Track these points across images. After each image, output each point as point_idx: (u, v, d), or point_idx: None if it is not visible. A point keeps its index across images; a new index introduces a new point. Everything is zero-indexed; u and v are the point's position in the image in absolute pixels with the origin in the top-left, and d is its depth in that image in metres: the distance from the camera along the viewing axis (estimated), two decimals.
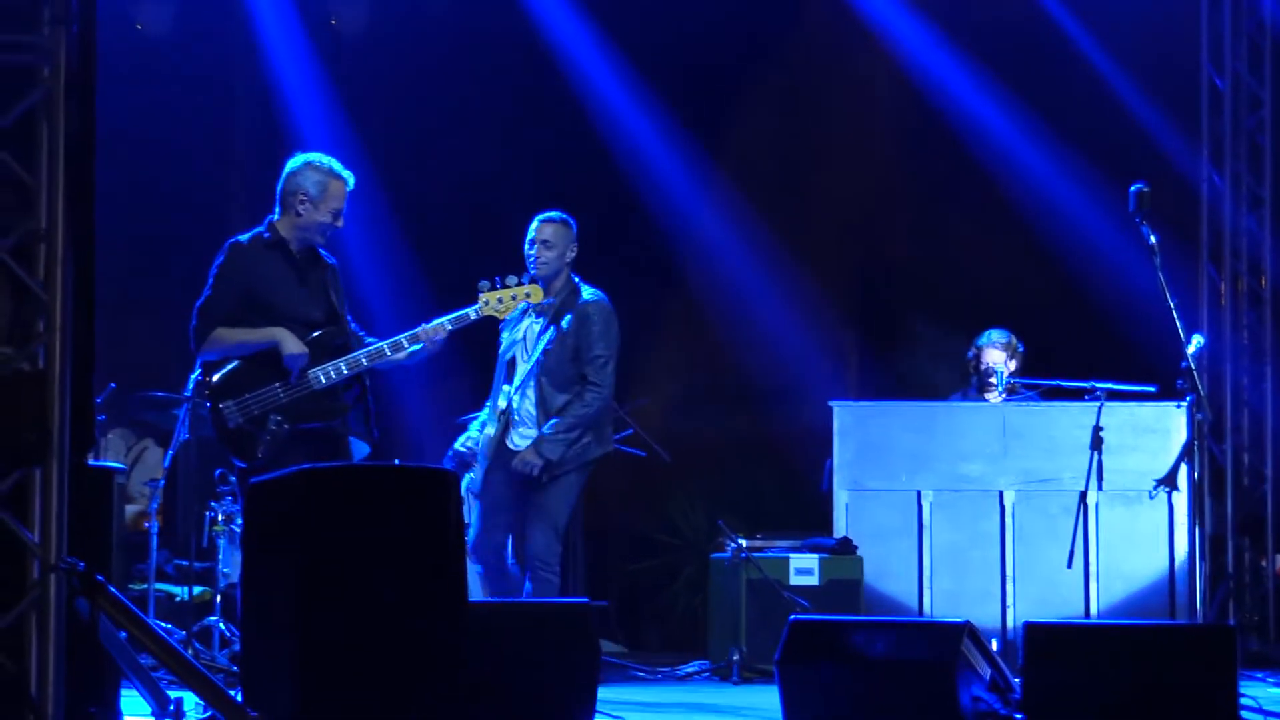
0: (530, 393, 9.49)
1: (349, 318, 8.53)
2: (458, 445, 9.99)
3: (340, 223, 8.39)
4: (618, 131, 14.09)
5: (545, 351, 9.45)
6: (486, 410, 9.72)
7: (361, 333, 8.54)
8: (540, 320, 9.52)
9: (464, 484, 9.48)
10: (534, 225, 9.58)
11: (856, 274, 15.25)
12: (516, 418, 9.48)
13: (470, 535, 9.42)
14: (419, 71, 13.73)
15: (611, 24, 13.84)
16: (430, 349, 8.39)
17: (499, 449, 9.49)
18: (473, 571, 9.34)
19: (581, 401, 9.43)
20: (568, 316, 9.50)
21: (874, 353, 14.99)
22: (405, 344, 8.31)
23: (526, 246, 9.53)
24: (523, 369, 9.51)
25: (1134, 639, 7.05)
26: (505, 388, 9.56)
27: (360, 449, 10.45)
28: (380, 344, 8.32)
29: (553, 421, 9.39)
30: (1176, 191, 13.89)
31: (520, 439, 9.49)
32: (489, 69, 13.74)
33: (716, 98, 14.44)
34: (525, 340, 9.55)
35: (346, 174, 8.39)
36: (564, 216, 9.59)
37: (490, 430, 9.55)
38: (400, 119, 13.72)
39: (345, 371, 8.22)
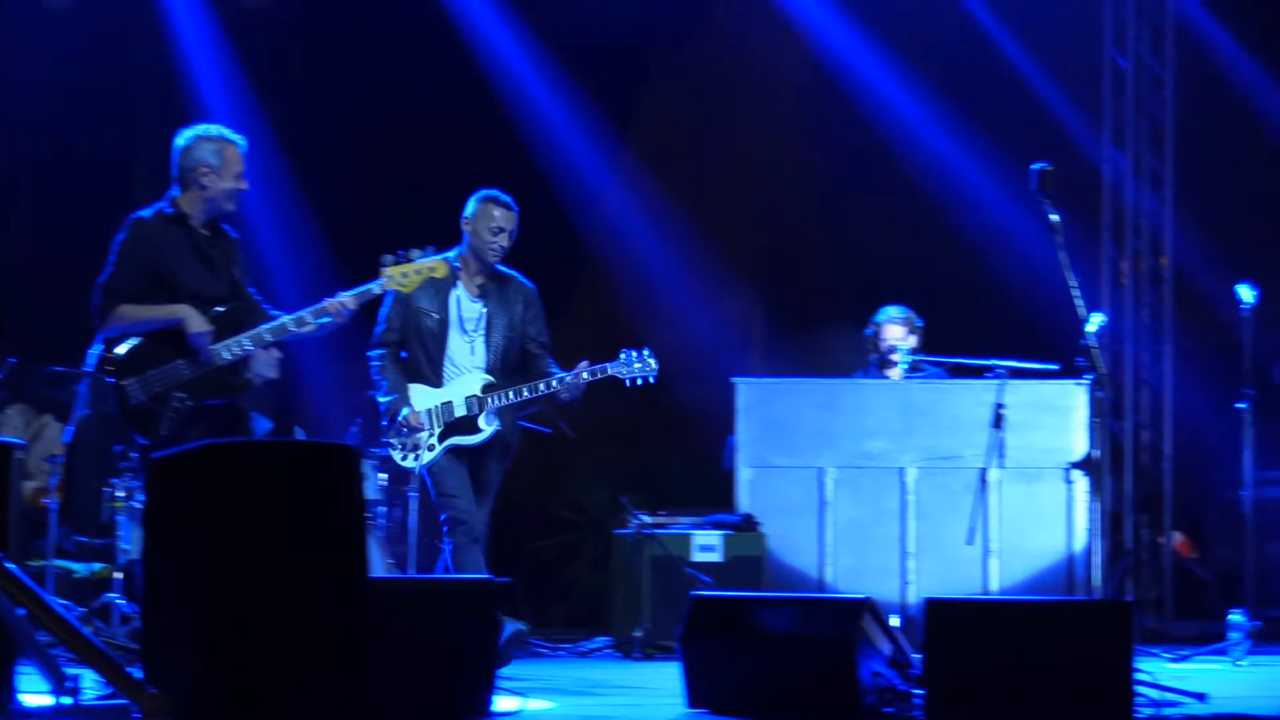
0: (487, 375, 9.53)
1: (253, 292, 8.49)
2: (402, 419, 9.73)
3: (245, 184, 8.36)
4: (526, 109, 14.07)
5: (505, 336, 9.51)
6: (419, 387, 9.59)
7: (266, 307, 8.50)
8: (479, 301, 9.50)
9: (418, 464, 9.43)
10: (506, 214, 9.54)
11: (761, 252, 15.29)
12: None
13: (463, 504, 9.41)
14: (324, 44, 13.68)
15: (521, 1, 13.84)
16: (334, 324, 8.36)
17: (470, 427, 9.47)
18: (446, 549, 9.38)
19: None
20: (519, 301, 9.57)
21: (778, 330, 15.05)
22: (308, 319, 8.27)
23: (489, 233, 9.48)
24: (481, 350, 9.51)
25: (1032, 615, 7.11)
26: (477, 371, 9.52)
27: (263, 425, 10.43)
28: (283, 319, 8.28)
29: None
30: (1079, 171, 14.02)
31: (487, 422, 9.47)
32: (397, 44, 13.69)
33: (625, 77, 14.45)
34: (464, 320, 9.50)
35: (237, 137, 8.38)
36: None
37: (460, 411, 9.47)
38: (304, 92, 13.65)
39: (248, 347, 8.18)
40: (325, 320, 8.30)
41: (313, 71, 13.60)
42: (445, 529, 9.44)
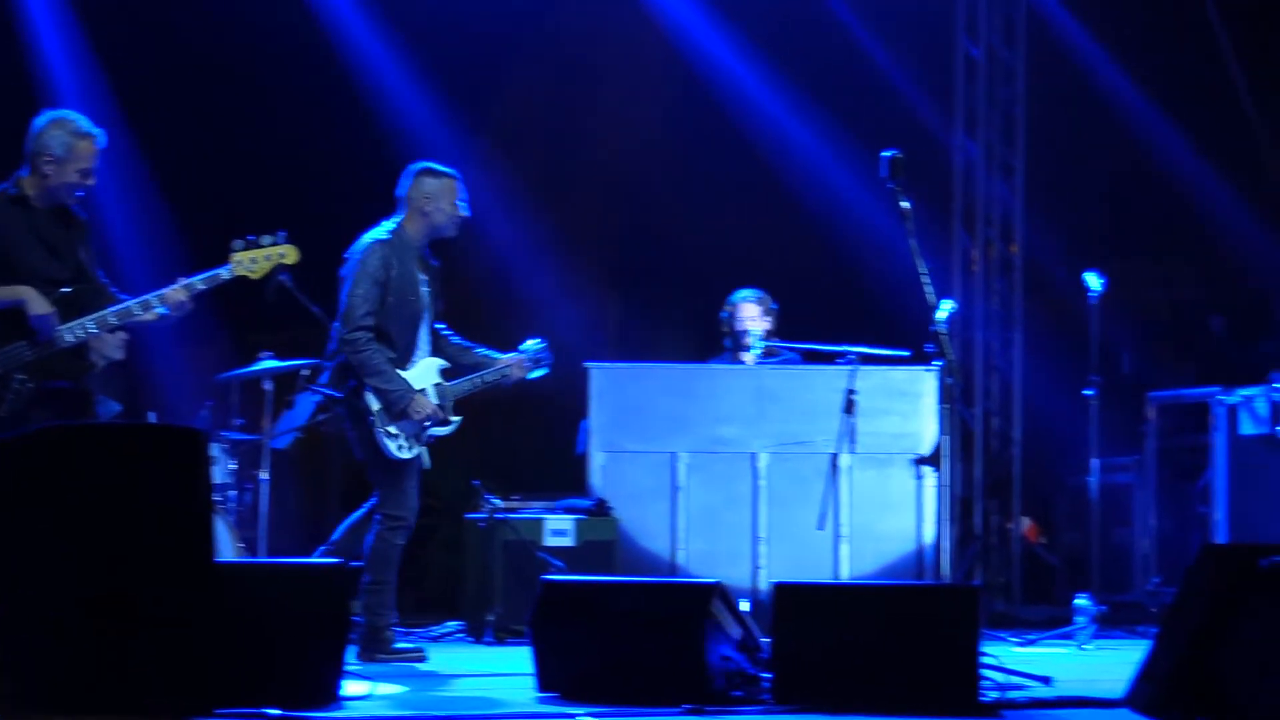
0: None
1: (101, 275, 8.37)
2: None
3: (90, 181, 8.19)
4: (381, 95, 13.99)
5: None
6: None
7: (114, 290, 8.39)
8: (424, 279, 9.38)
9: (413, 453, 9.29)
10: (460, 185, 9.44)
11: (616, 238, 15.30)
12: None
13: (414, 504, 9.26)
14: (177, 26, 13.52)
15: None
16: (182, 308, 8.25)
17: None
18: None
19: None
20: (440, 278, 9.51)
21: (632, 315, 15.07)
22: (155, 303, 8.16)
23: (454, 206, 9.33)
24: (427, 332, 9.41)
25: (879, 599, 7.16)
26: (431, 356, 9.40)
27: (111, 407, 10.28)
28: (130, 303, 8.17)
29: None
30: (932, 159, 14.14)
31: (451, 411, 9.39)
32: (248, 27, 13.56)
33: (481, 62, 14.40)
34: (421, 299, 9.34)
35: (95, 131, 8.20)
36: None
37: (433, 397, 9.31)
38: (156, 74, 13.49)
39: (93, 330, 8.07)
40: (163, 310, 8.16)
41: (164, 51, 13.44)
42: (384, 525, 9.15)
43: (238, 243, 8.42)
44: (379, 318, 9.06)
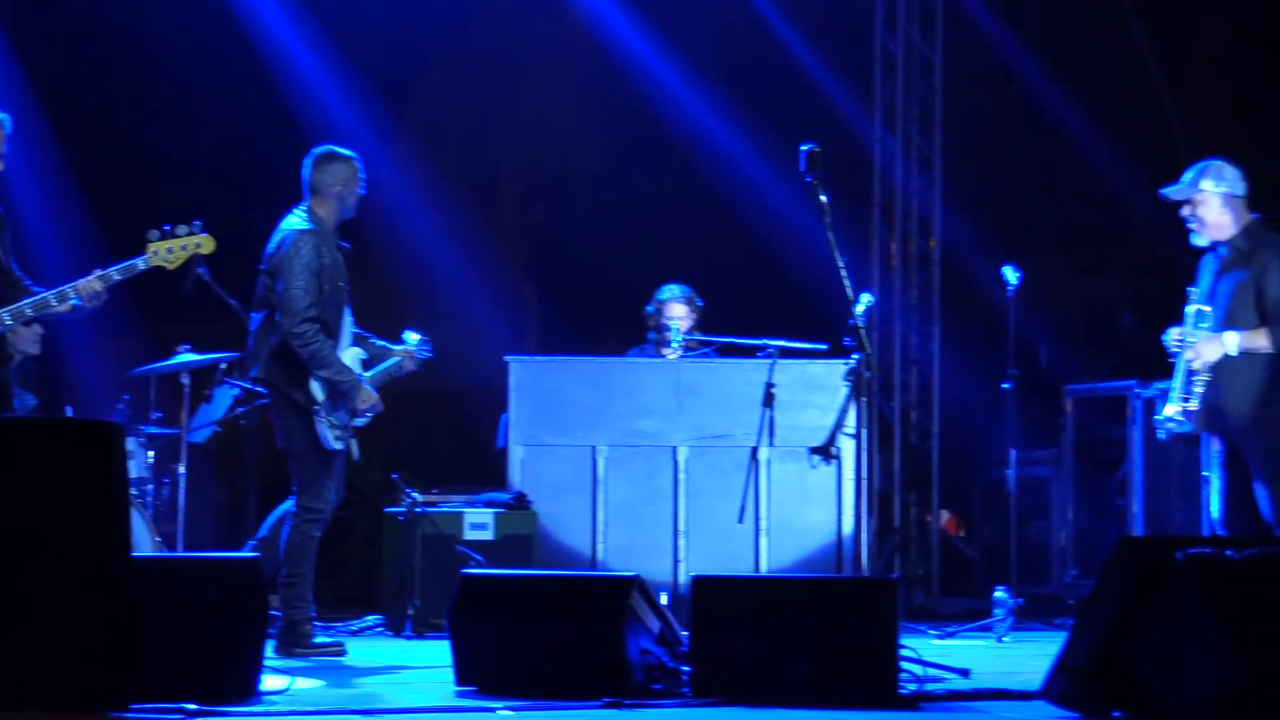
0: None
1: (15, 268, 8.29)
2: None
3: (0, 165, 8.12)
4: (301, 85, 13.93)
5: None
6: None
7: (28, 283, 8.31)
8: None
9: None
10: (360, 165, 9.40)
11: (539, 233, 15.32)
12: None
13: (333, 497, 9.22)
14: (95, 17, 13.43)
15: None
16: (97, 299, 8.18)
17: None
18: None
19: None
20: None
21: (553, 309, 15.07)
22: (71, 294, 8.09)
23: (358, 190, 9.32)
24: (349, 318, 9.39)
25: (798, 592, 7.18)
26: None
27: (27, 401, 10.20)
28: (45, 294, 8.10)
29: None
30: (851, 153, 14.18)
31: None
32: (167, 17, 13.48)
33: (405, 57, 14.36)
34: (344, 285, 9.31)
35: (1, 116, 8.14)
36: None
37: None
38: (73, 64, 13.40)
39: (9, 322, 7.99)
40: (76, 302, 8.09)
41: (82, 44, 13.35)
42: (300, 517, 9.11)
43: (154, 233, 8.35)
44: (319, 308, 9.05)
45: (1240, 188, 9.17)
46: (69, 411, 11.12)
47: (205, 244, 8.52)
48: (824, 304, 11.13)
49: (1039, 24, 14.72)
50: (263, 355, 9.11)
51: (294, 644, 8.95)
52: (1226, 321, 8.98)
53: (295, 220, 9.21)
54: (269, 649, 8.60)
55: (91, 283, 8.07)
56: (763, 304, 13.48)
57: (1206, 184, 9.15)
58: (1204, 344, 8.96)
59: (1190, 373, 9.04)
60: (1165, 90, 14.49)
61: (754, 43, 14.44)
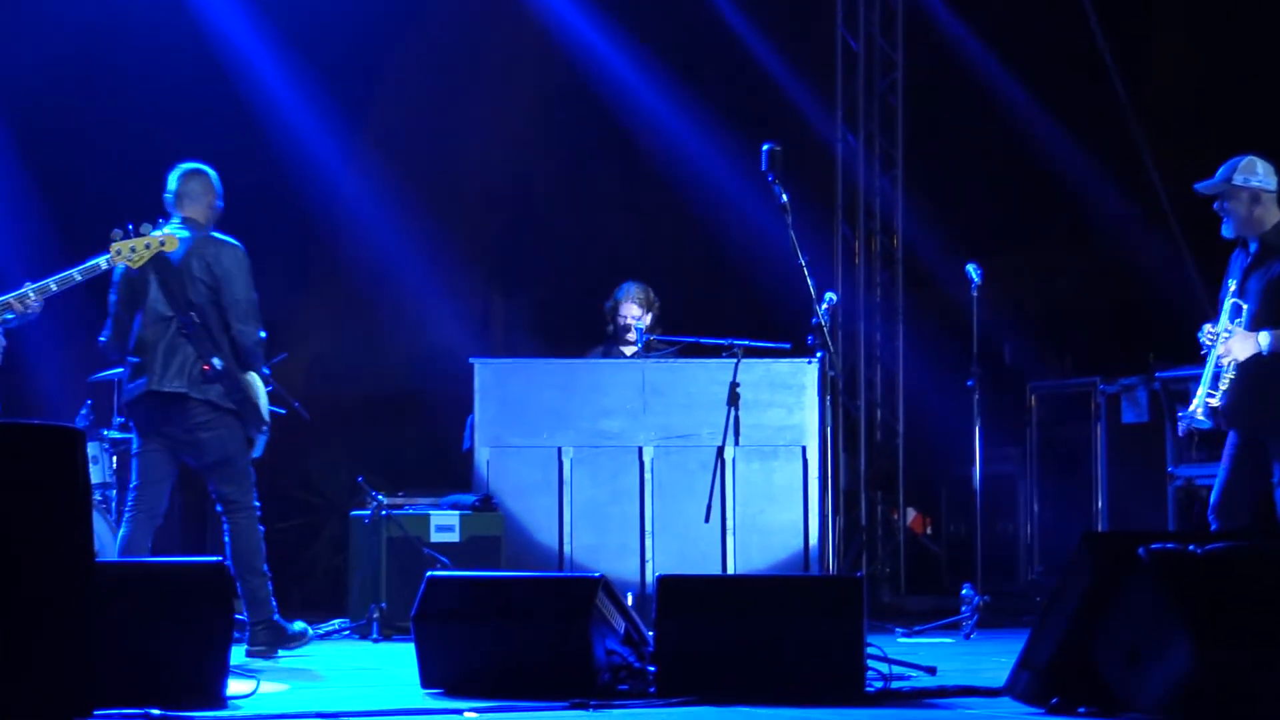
0: None
1: None
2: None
3: None
4: (263, 90, 13.88)
5: None
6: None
7: None
8: None
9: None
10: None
11: (502, 238, 15.30)
12: None
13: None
14: (54, 16, 13.36)
15: None
16: (33, 314, 8.11)
17: None
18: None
19: None
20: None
21: (517, 312, 15.06)
22: (32, 296, 8.06)
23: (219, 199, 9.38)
24: None
25: (764, 591, 7.21)
26: None
27: None
28: (6, 297, 8.07)
29: None
30: (814, 152, 14.19)
31: None
32: (125, 18, 13.42)
33: (363, 61, 14.33)
34: None
35: None
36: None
37: None
38: (30, 66, 13.31)
39: None
40: (13, 317, 8.04)
41: (39, 43, 13.26)
42: (252, 517, 9.23)
43: (117, 231, 8.32)
44: None
45: (1272, 182, 9.14)
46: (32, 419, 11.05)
47: (170, 242, 8.49)
48: (787, 303, 11.14)
49: (1000, 22, 14.74)
50: (219, 367, 9.01)
51: (278, 641, 9.00)
52: (1257, 318, 8.92)
53: (214, 234, 9.24)
54: (241, 653, 8.65)
55: (49, 286, 8.02)
56: (726, 304, 13.50)
57: (1237, 178, 9.15)
58: (1236, 340, 8.90)
59: (1219, 368, 8.99)
60: (1125, 88, 14.52)
61: (715, 42, 14.44)
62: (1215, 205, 9.25)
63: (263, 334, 9.13)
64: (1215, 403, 8.92)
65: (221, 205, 9.41)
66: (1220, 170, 9.22)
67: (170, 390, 8.98)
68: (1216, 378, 8.96)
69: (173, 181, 9.32)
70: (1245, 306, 8.94)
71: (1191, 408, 9.09)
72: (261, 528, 9.24)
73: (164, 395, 9.00)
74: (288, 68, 13.84)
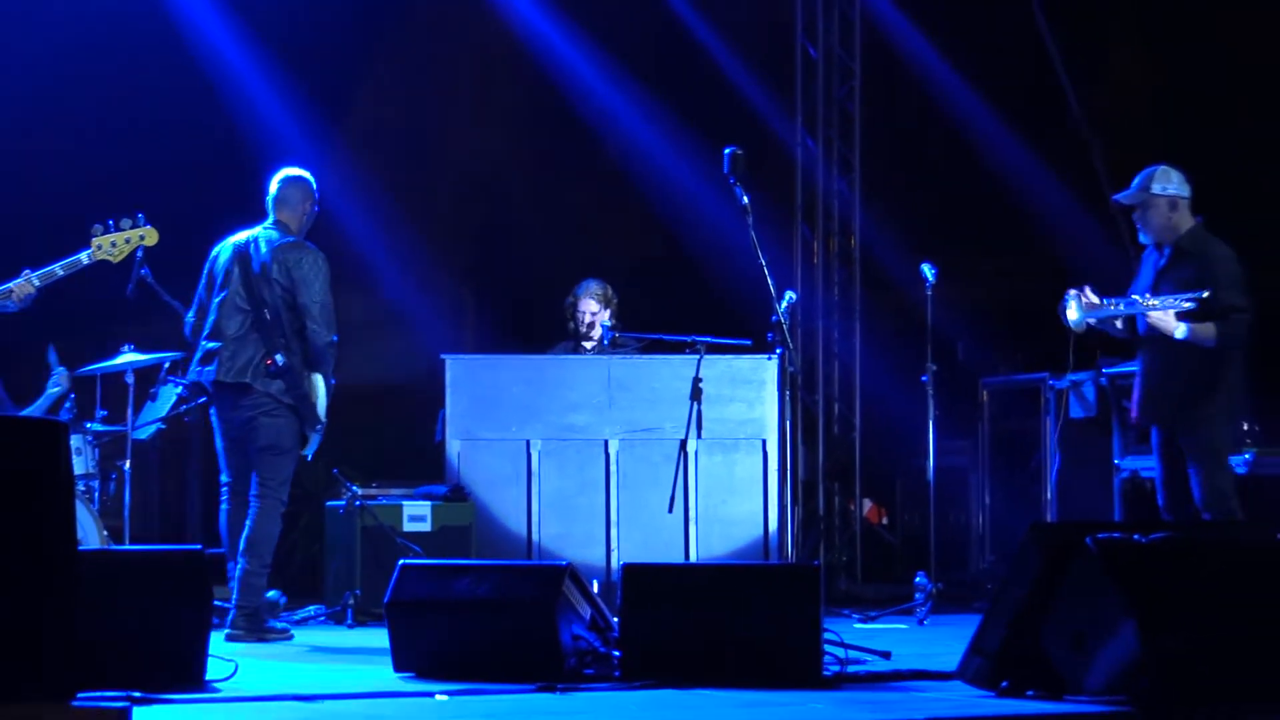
0: None
1: None
2: None
3: None
4: (245, 95, 13.84)
5: None
6: None
7: None
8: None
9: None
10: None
11: (474, 237, 15.29)
12: None
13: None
14: (44, 19, 13.28)
15: None
16: (29, 300, 8.08)
17: None
18: None
19: None
20: None
21: (487, 310, 15.05)
22: (37, 281, 8.02)
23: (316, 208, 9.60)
24: None
25: (725, 579, 7.21)
26: None
27: None
28: (8, 285, 8.01)
29: None
30: (775, 155, 14.20)
31: None
32: (106, 18, 13.31)
33: (343, 69, 14.31)
34: None
35: None
36: None
37: None
38: (16, 70, 13.24)
39: None
40: (12, 302, 8.00)
41: (23, 42, 13.17)
42: (277, 509, 9.45)
43: (97, 226, 8.29)
44: None
45: (1186, 190, 9.24)
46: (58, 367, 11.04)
47: (149, 236, 8.45)
48: (748, 301, 11.15)
49: (954, 34, 14.78)
50: (281, 362, 9.21)
51: (257, 631, 9.09)
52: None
53: (298, 241, 9.42)
54: (222, 637, 8.66)
55: (24, 285, 7.98)
56: (689, 302, 13.49)
57: (1155, 187, 9.22)
58: (1160, 312, 8.97)
59: (1131, 304, 9.05)
60: (1074, 94, 14.57)
61: (680, 50, 14.46)
62: (1135, 215, 9.34)
63: (334, 338, 9.29)
64: (1094, 299, 9.03)
65: (317, 210, 9.62)
66: (1136, 181, 9.31)
67: (234, 381, 9.22)
68: (1123, 305, 9.05)
69: (274, 186, 9.54)
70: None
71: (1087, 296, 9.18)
72: (281, 524, 9.37)
73: (228, 385, 9.25)
74: (269, 73, 13.81)
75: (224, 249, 9.49)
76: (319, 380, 9.36)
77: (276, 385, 9.21)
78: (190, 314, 9.55)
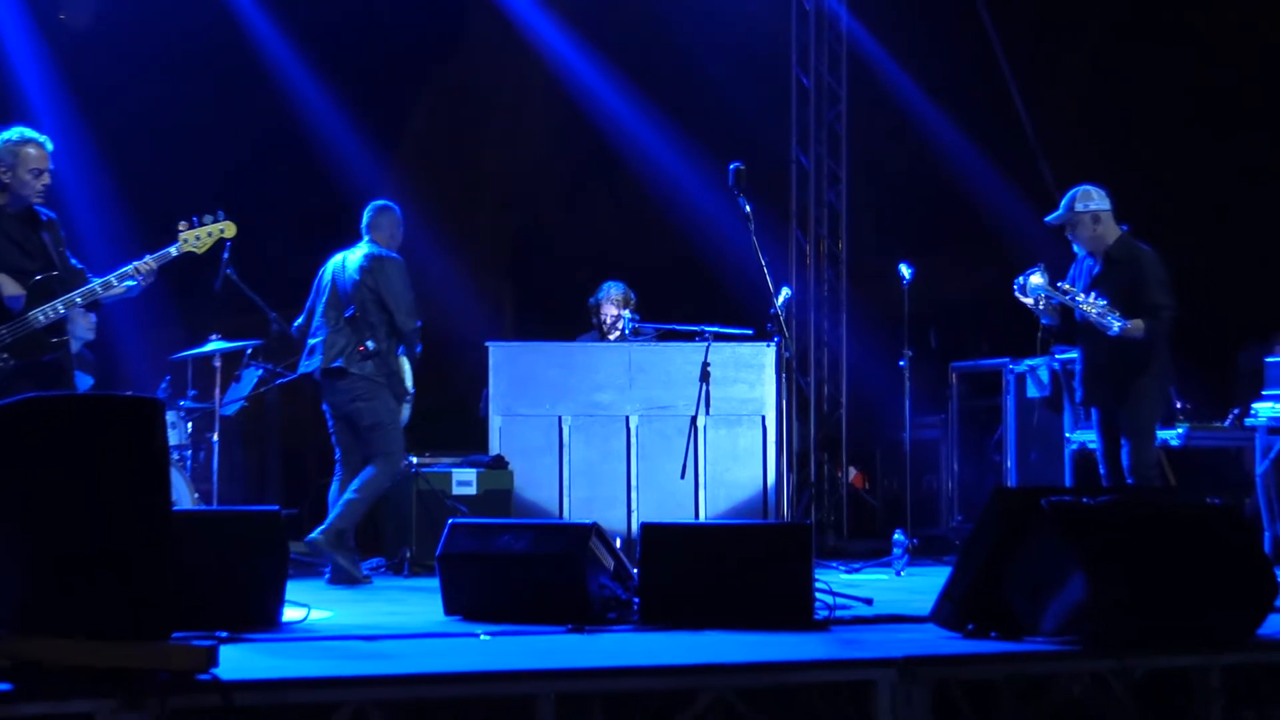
0: None
1: (75, 262, 8.15)
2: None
3: (45, 180, 7.91)
4: (304, 114, 13.84)
5: None
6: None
7: (88, 274, 8.17)
8: None
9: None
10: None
11: (511, 239, 15.32)
12: None
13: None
14: (128, 37, 13.17)
15: (298, 23, 13.61)
16: (139, 286, 8.07)
17: None
18: None
19: None
20: None
21: (524, 302, 15.08)
22: (115, 282, 7.98)
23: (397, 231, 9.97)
24: None
25: (729, 535, 7.20)
26: None
27: (85, 381, 10.14)
28: (93, 284, 7.98)
29: None
30: (772, 171, 14.20)
31: None
32: (191, 39, 13.26)
33: (394, 90, 14.32)
34: None
35: (40, 138, 7.94)
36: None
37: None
38: (111, 79, 13.18)
39: (62, 311, 7.86)
40: (131, 283, 7.98)
41: (118, 66, 13.13)
42: (390, 475, 9.83)
43: (183, 223, 8.23)
44: None
45: (1106, 204, 9.21)
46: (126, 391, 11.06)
47: (229, 229, 8.38)
48: (750, 296, 11.15)
49: (927, 66, 14.78)
50: (368, 348, 9.61)
51: (339, 545, 9.48)
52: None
53: (378, 251, 9.83)
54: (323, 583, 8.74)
55: (148, 263, 7.97)
56: (699, 296, 13.49)
57: (1079, 206, 9.19)
58: (1097, 315, 8.92)
59: (1075, 301, 9.00)
60: (1029, 119, 14.56)
61: (692, 78, 14.47)
62: (1066, 233, 9.31)
63: (419, 322, 9.75)
64: (1038, 280, 8.98)
65: (402, 230, 10.05)
66: (1062, 203, 9.30)
67: (333, 367, 9.62)
68: (1065, 297, 8.99)
69: (367, 214, 10.00)
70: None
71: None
72: (388, 485, 9.84)
73: (330, 371, 9.64)
74: (334, 103, 13.83)
75: (328, 265, 9.86)
76: (404, 361, 9.83)
77: (369, 367, 9.59)
78: (300, 318, 9.93)
